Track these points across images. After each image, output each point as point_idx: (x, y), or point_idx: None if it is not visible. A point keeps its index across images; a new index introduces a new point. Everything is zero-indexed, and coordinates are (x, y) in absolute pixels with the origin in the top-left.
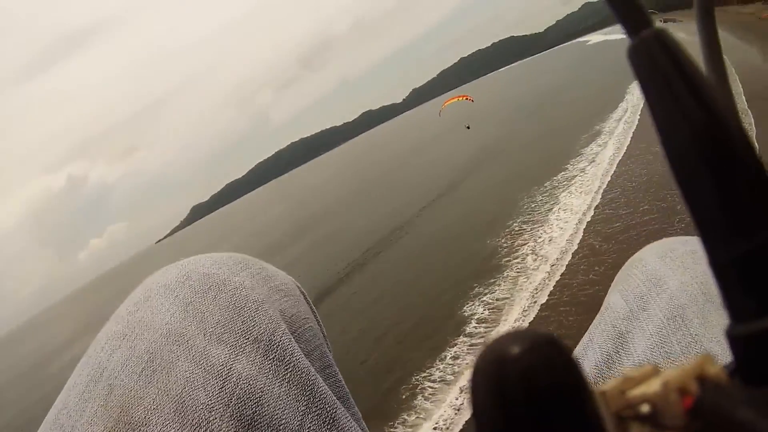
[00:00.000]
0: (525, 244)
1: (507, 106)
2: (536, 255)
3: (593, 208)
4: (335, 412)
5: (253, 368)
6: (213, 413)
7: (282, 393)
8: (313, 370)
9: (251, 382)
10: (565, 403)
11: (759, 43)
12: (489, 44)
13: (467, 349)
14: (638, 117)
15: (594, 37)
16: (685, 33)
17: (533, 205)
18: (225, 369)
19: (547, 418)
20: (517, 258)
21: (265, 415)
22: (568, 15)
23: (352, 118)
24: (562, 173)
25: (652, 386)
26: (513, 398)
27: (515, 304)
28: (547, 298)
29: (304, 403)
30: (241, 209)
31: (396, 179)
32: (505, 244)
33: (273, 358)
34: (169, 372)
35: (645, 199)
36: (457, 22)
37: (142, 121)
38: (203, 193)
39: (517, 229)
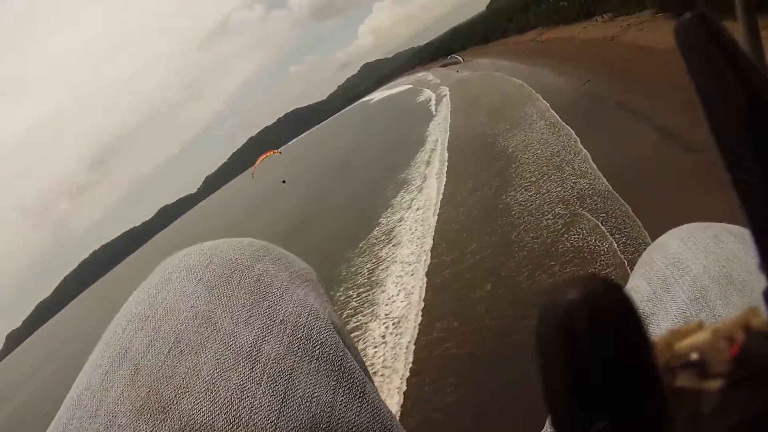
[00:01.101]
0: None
1: (305, 176)
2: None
3: (424, 254)
4: (365, 386)
5: (282, 348)
6: (245, 392)
7: (312, 369)
8: (342, 345)
9: (280, 361)
10: (628, 344)
11: (548, 62)
12: (275, 120)
13: None
14: (446, 157)
15: (377, 95)
16: (470, 70)
17: (353, 269)
18: (254, 350)
19: (610, 357)
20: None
21: (297, 390)
22: (348, 79)
23: (150, 216)
24: (377, 228)
25: (700, 337)
26: (579, 338)
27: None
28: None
29: (335, 378)
30: (54, 333)
31: None
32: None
33: (300, 337)
34: (198, 353)
35: (472, 237)
36: (243, 104)
37: None
38: (16, 319)
39: (343, 298)
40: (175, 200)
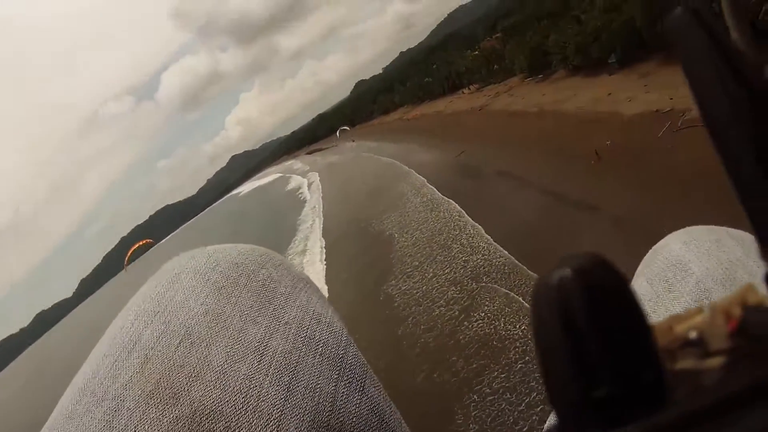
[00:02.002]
0: None
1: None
2: None
3: None
4: (365, 381)
5: (287, 344)
6: (253, 382)
7: (315, 363)
8: (343, 344)
9: (286, 356)
10: (623, 315)
11: (419, 138)
12: (146, 218)
13: None
14: (322, 245)
15: (246, 187)
16: (338, 154)
17: None
18: (262, 345)
19: (606, 328)
20: None
21: (301, 381)
22: (217, 172)
23: (28, 323)
24: None
25: (699, 317)
26: (574, 313)
27: None
28: None
29: (336, 372)
30: None
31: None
32: None
33: (304, 336)
34: (208, 346)
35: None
36: (113, 203)
37: None
38: None
39: None
40: (51, 305)
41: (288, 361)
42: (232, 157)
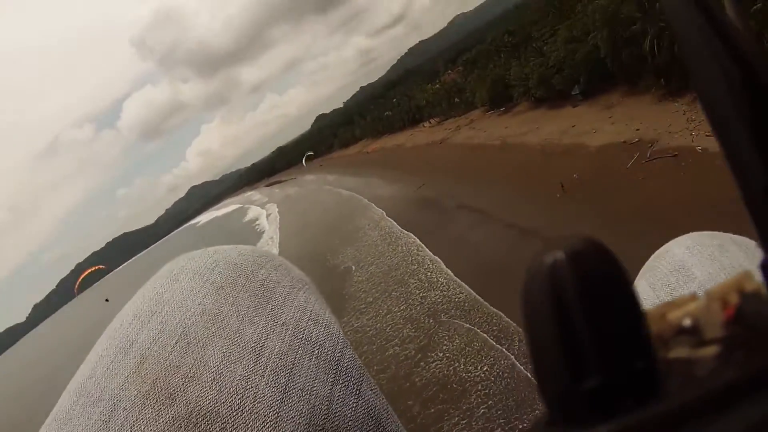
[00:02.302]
0: None
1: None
2: None
3: None
4: (361, 384)
5: (284, 345)
6: (249, 383)
7: (312, 366)
8: (340, 347)
9: (282, 357)
10: (616, 300)
11: (378, 171)
12: (103, 245)
13: None
14: None
15: (204, 217)
16: (297, 187)
17: None
18: (258, 346)
19: (598, 314)
20: None
21: (298, 383)
22: (176, 202)
23: None
24: None
25: (693, 304)
26: (566, 297)
27: None
28: None
29: (333, 375)
30: None
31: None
32: None
33: (301, 338)
34: (204, 346)
35: None
36: (70, 229)
37: None
38: None
39: None
40: (2, 330)
41: (284, 363)
42: (192, 187)
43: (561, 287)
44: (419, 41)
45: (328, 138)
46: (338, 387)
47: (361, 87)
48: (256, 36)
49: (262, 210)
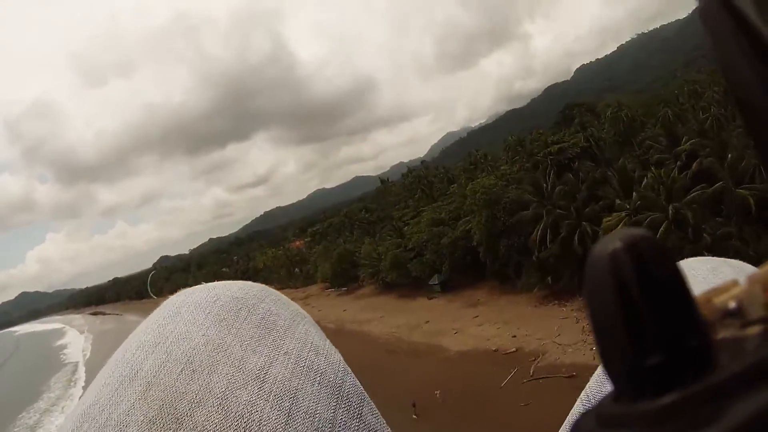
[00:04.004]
0: None
1: None
2: None
3: None
4: (362, 408)
5: (287, 372)
6: (254, 407)
7: (315, 390)
8: (341, 374)
9: (286, 383)
10: (673, 289)
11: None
12: None
13: None
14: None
15: (23, 328)
16: (115, 324)
17: None
18: (262, 373)
19: (656, 297)
20: None
21: (301, 407)
22: (3, 303)
23: None
24: None
25: (737, 289)
26: (626, 282)
27: None
28: None
29: (335, 399)
30: None
31: None
32: None
33: (303, 365)
34: (210, 374)
35: None
36: None
37: None
38: None
39: None
40: None
41: (288, 388)
42: (23, 292)
43: (622, 274)
44: (276, 207)
45: (161, 281)
46: (341, 411)
47: (210, 238)
48: (122, 159)
49: (81, 336)
